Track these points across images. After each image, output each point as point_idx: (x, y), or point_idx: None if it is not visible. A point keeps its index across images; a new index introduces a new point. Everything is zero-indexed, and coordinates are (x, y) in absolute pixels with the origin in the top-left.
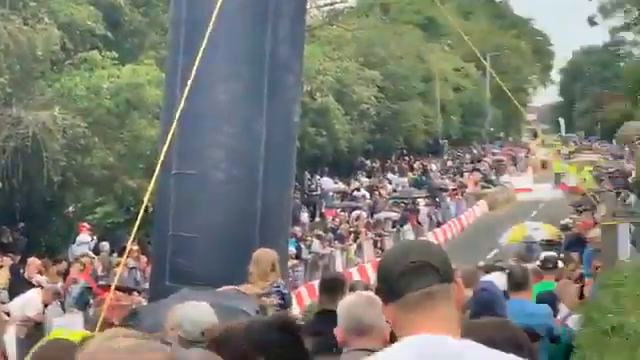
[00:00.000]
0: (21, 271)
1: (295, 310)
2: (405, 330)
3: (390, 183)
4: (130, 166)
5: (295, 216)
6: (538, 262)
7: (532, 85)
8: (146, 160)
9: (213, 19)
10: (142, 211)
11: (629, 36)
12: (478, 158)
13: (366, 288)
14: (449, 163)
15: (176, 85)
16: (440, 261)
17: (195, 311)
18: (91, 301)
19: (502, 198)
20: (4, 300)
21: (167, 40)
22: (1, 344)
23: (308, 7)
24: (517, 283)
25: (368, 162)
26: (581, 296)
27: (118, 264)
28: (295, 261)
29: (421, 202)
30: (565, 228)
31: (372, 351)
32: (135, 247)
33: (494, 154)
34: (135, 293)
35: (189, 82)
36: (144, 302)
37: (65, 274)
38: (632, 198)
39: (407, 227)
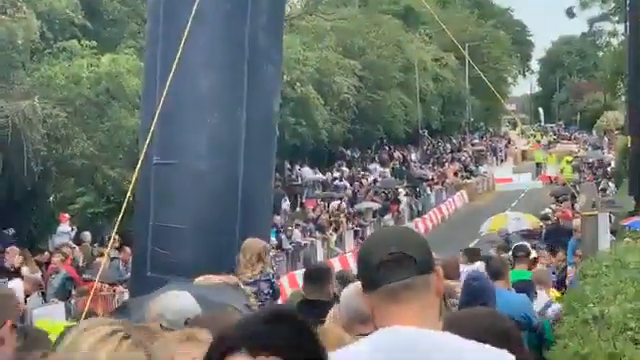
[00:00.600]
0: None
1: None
2: (384, 320)
3: (371, 173)
4: (111, 156)
5: (276, 205)
6: (510, 251)
7: (511, 75)
8: (127, 150)
9: (193, 11)
10: (125, 202)
11: (607, 26)
12: (458, 148)
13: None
14: (429, 153)
15: (155, 75)
16: (419, 251)
17: (177, 301)
18: (73, 291)
19: (482, 188)
20: None
21: (145, 29)
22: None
23: None
24: (496, 272)
25: (348, 152)
26: (563, 285)
27: (100, 254)
28: (276, 251)
29: (401, 192)
30: (545, 218)
31: None
32: (117, 237)
33: (474, 144)
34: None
35: (171, 72)
36: (126, 293)
37: (46, 264)
38: (612, 188)
39: (388, 217)
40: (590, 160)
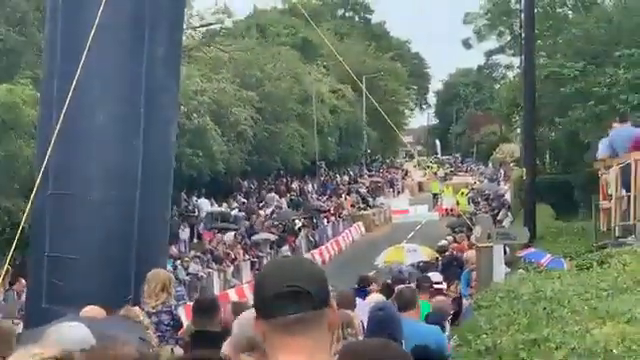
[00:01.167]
0: None
1: None
2: (276, 350)
3: (268, 204)
4: (5, 186)
5: (174, 233)
6: (414, 282)
7: (409, 107)
8: (22, 180)
9: (89, 42)
10: (19, 232)
11: (503, 59)
12: (355, 180)
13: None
14: (326, 184)
15: (51, 105)
16: (316, 286)
17: (71, 331)
18: None
19: (379, 220)
20: None
21: (43, 60)
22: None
23: (184, 28)
24: (405, 303)
25: (245, 183)
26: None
27: None
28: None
29: (298, 223)
30: (442, 249)
31: None
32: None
33: (370, 176)
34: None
35: (66, 103)
36: (20, 325)
37: None
38: (510, 217)
39: (285, 248)
40: (486, 192)
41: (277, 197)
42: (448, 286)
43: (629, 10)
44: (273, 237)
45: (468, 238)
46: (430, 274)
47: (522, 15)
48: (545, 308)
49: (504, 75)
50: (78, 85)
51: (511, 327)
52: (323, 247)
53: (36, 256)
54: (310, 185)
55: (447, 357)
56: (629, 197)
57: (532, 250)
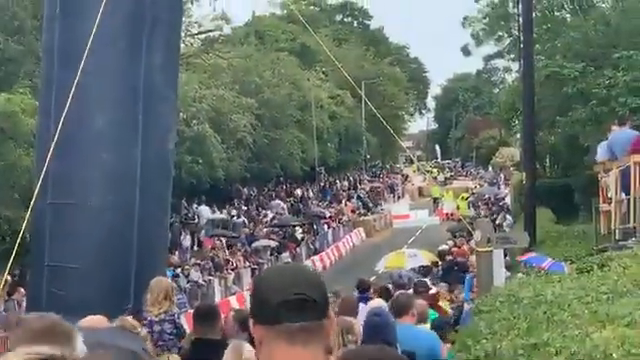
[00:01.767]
0: None
1: None
2: (273, 356)
3: (269, 210)
4: (5, 196)
5: (175, 240)
6: (412, 287)
7: (408, 112)
8: (21, 190)
9: (87, 49)
10: (18, 241)
11: (502, 63)
12: (355, 185)
13: None
14: (325, 190)
15: (50, 113)
16: (321, 296)
17: None
18: None
19: (379, 225)
20: None
21: (41, 69)
22: None
23: (182, 36)
24: (401, 308)
25: (245, 190)
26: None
27: None
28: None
29: (298, 229)
30: (443, 253)
31: None
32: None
33: (371, 181)
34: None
35: (64, 110)
36: None
37: None
38: (509, 220)
39: (285, 255)
40: (486, 196)
41: (282, 204)
42: (451, 291)
43: (627, 12)
44: (273, 244)
45: (468, 242)
46: (422, 279)
47: (520, 19)
48: (545, 312)
49: (503, 79)
50: (77, 92)
51: (511, 332)
52: (323, 253)
53: (36, 265)
54: (310, 191)
55: None
56: (629, 200)
57: (533, 255)
